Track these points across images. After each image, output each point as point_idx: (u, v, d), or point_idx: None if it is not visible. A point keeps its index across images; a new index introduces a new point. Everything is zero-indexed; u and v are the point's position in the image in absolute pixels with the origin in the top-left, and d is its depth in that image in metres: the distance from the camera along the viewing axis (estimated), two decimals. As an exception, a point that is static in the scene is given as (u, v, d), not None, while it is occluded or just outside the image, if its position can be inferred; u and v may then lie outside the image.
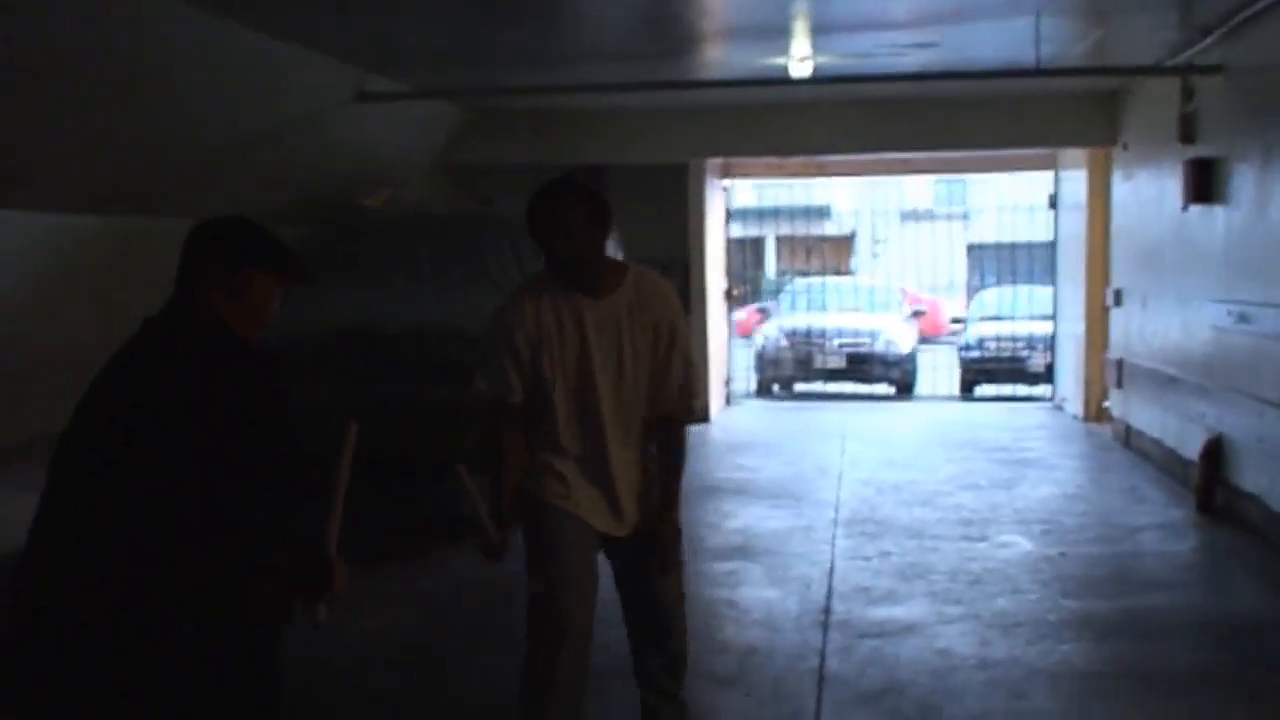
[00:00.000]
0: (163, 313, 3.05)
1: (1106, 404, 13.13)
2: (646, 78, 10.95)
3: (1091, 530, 8.75)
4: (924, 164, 15.47)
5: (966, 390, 17.38)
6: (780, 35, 9.56)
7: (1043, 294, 17.62)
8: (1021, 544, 8.36)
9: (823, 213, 35.51)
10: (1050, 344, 15.83)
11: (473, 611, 6.96)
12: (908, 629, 6.50)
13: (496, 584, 7.51)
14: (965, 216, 38.25)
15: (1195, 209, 9.13)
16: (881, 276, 27.27)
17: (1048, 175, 15.01)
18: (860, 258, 39.25)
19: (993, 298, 19.01)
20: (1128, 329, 11.77)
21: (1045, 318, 16.33)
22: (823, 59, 10.14)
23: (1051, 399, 15.47)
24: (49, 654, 2.83)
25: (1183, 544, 8.36)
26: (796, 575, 7.56)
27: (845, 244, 39.01)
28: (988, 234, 36.86)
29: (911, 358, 17.42)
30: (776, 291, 22.37)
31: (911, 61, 10.08)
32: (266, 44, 8.49)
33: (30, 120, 7.07)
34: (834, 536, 8.52)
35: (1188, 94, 9.33)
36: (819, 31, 9.45)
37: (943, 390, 17.72)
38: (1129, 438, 11.75)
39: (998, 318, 17.52)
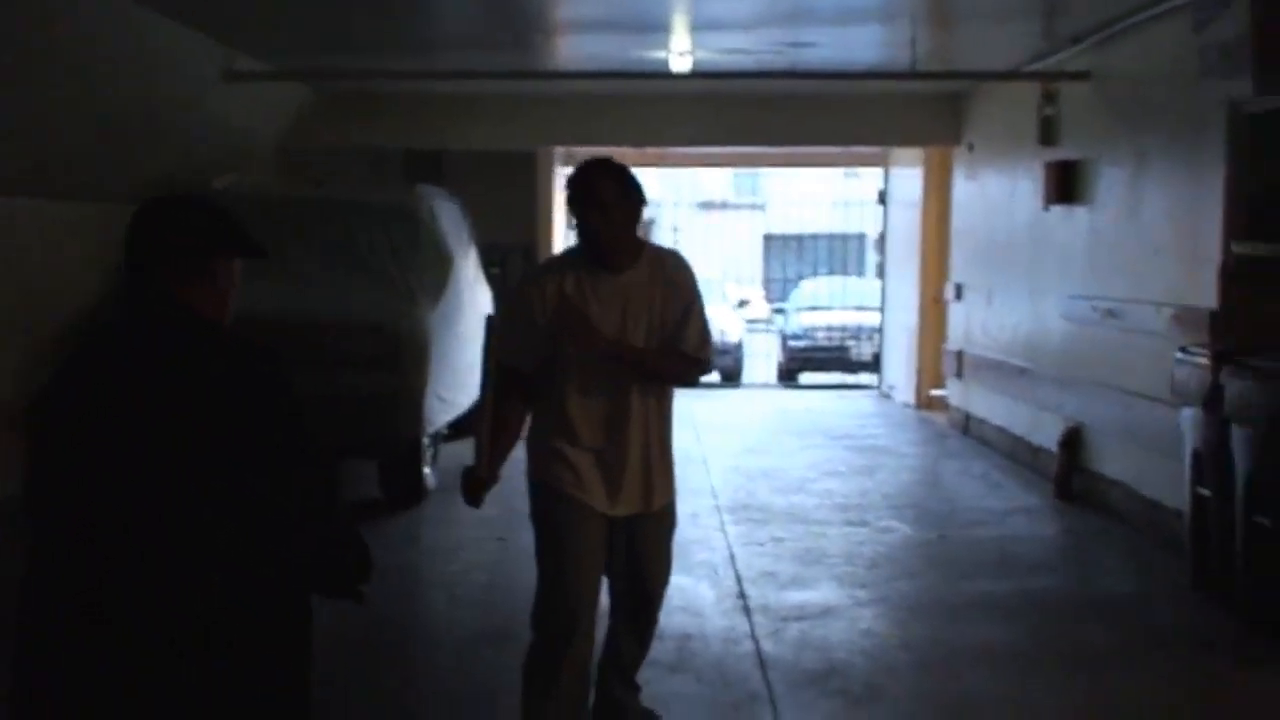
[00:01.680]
0: (137, 306, 2.85)
1: (937, 392, 13.68)
2: (500, 65, 10.97)
3: (961, 515, 9.15)
4: (763, 158, 15.82)
5: (787, 378, 17.84)
6: (646, 30, 9.70)
7: (860, 285, 18.26)
8: (901, 529, 8.68)
9: (621, 201, 35.84)
10: (874, 334, 16.40)
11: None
12: (826, 612, 6.71)
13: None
14: (761, 207, 39.12)
15: (1056, 209, 9.60)
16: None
17: (840, 169, 15.49)
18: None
19: (815, 287, 19.55)
20: (969, 322, 12.27)
21: (867, 308, 16.93)
22: (701, 54, 10.32)
23: (878, 387, 16.01)
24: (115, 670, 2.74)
25: (1050, 528, 8.81)
26: (700, 561, 7.70)
27: (644, 231, 39.42)
28: (784, 225, 37.97)
29: (740, 346, 17.80)
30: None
31: (784, 60, 10.34)
32: (140, 16, 8.22)
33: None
34: (723, 523, 8.70)
35: (1049, 98, 9.79)
36: (668, 28, 9.64)
37: (760, 377, 18.15)
38: (968, 425, 12.27)
39: (824, 307, 18.02)
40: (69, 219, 8.89)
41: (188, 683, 2.73)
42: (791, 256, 37.40)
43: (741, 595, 6.99)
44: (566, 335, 4.30)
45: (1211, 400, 6.38)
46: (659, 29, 9.65)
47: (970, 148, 12.32)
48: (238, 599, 2.75)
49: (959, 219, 12.82)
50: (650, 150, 14.48)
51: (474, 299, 11.58)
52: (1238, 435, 6.14)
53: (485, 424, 4.36)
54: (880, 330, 16.02)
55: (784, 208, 38.05)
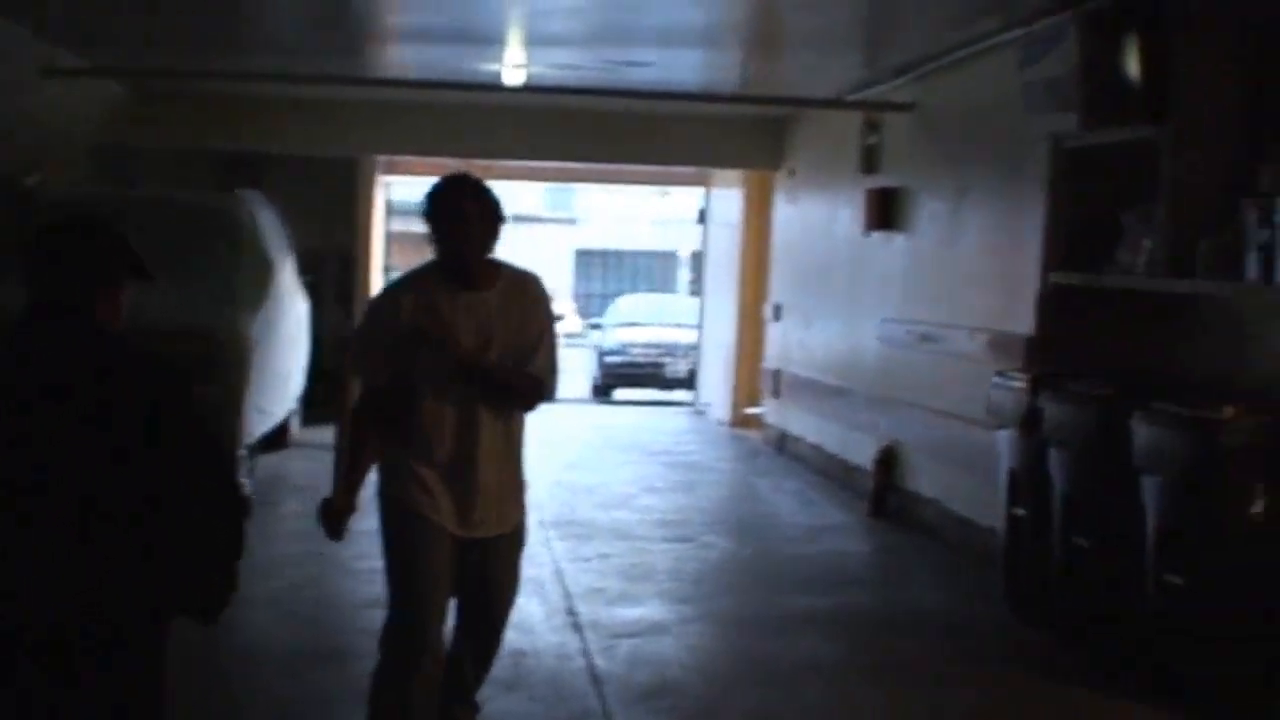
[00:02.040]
0: (50, 314, 3.03)
1: (752, 410, 13.91)
2: (327, 70, 10.80)
3: (779, 531, 9.35)
4: (587, 173, 15.86)
5: (603, 393, 17.92)
6: (479, 41, 9.64)
7: (677, 302, 18.48)
8: (723, 544, 8.82)
9: (428, 211, 35.55)
10: (690, 351, 16.60)
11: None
12: (657, 628, 6.75)
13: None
14: (574, 222, 39.25)
15: (876, 234, 9.86)
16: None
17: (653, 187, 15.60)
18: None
19: (632, 304, 19.72)
20: (787, 341, 12.51)
21: (683, 325, 17.15)
22: (534, 69, 10.32)
23: (693, 404, 16.19)
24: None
25: (866, 545, 9.03)
26: (528, 577, 7.47)
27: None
28: (596, 240, 38.22)
29: (556, 361, 17.80)
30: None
31: (616, 79, 10.41)
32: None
33: None
34: (548, 539, 8.67)
35: (871, 127, 10.06)
36: (501, 41, 9.61)
37: (573, 392, 18.19)
38: (783, 443, 12.50)
39: (641, 324, 18.19)
40: None
41: (76, 683, 2.86)
42: (603, 272, 37.68)
43: (571, 612, 6.99)
44: (430, 339, 4.25)
45: (1028, 423, 6.61)
46: (492, 41, 9.61)
47: (791, 172, 12.57)
48: (138, 597, 2.94)
49: (779, 240, 13.06)
50: (478, 163, 14.39)
51: (293, 307, 11.38)
52: (1055, 457, 6.38)
53: (344, 451, 4.27)
54: (697, 348, 16.21)
55: (597, 223, 38.31)
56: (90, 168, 12.38)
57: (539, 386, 4.49)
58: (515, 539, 4.61)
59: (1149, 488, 5.56)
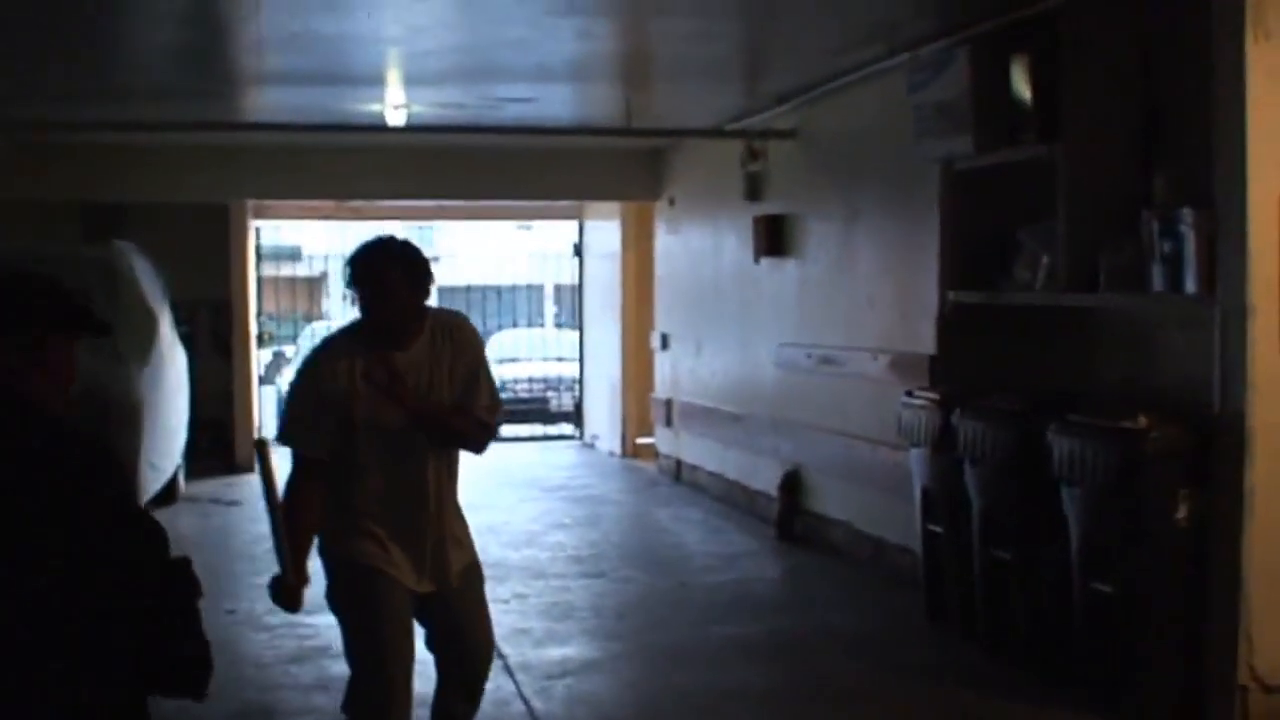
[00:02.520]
0: None
1: (644, 440, 13.96)
2: (198, 115, 10.59)
3: (692, 561, 9.38)
4: (459, 211, 15.80)
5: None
6: (350, 83, 9.54)
7: (557, 336, 18.48)
8: (637, 577, 8.81)
9: (293, 254, 35.15)
10: (574, 385, 16.61)
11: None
12: (588, 666, 6.74)
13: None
14: (435, 259, 38.99)
15: (766, 261, 9.97)
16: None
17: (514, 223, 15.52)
18: (332, 300, 39.06)
19: (513, 339, 19.69)
20: (677, 370, 12.57)
21: (562, 359, 17.19)
22: (413, 108, 10.25)
23: (579, 437, 16.18)
24: None
25: (778, 569, 9.11)
26: (449, 624, 7.59)
27: (317, 286, 38.68)
28: (460, 277, 38.01)
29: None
30: (294, 336, 21.89)
31: (499, 115, 10.39)
32: None
33: None
34: (462, 582, 8.60)
35: (754, 155, 10.18)
36: (378, 82, 9.53)
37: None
38: (680, 472, 12.55)
39: (523, 359, 18.16)
40: None
41: None
42: (468, 308, 37.38)
43: (500, 655, 6.91)
44: (381, 390, 4.18)
45: (942, 441, 6.73)
46: (367, 82, 9.50)
47: (672, 202, 12.65)
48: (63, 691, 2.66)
49: (662, 270, 13.12)
50: (351, 204, 14.26)
51: (175, 359, 11.15)
52: (971, 473, 6.49)
53: (282, 524, 4.13)
54: (580, 381, 16.21)
55: (460, 260, 38.13)
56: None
57: (484, 428, 4.45)
58: (474, 576, 4.54)
59: (1070, 499, 5.70)
